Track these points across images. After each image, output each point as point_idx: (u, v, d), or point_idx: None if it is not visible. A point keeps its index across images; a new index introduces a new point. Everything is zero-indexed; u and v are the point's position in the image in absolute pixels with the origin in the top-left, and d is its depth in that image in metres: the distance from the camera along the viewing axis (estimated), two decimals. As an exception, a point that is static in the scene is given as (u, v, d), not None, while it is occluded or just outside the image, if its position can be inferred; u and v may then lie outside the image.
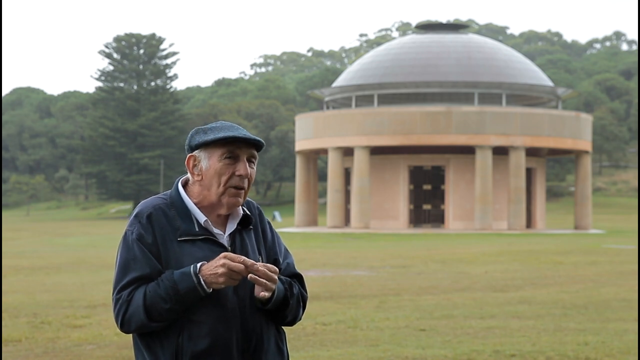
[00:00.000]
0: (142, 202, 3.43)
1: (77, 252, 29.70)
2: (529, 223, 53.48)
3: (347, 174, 53.71)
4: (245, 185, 3.37)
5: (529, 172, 53.89)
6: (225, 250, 3.37)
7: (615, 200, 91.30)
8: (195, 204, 3.40)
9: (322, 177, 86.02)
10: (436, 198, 52.45)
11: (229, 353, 3.34)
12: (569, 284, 17.94)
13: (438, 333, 11.43)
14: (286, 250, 3.62)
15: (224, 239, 3.40)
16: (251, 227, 3.49)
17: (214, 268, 3.23)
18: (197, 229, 3.36)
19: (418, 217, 52.51)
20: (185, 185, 3.46)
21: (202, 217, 3.37)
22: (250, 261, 3.25)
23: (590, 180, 54.66)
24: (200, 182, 3.39)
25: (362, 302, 14.88)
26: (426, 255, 27.32)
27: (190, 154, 3.40)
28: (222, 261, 3.23)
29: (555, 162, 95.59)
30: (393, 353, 10.00)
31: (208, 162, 3.36)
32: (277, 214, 70.51)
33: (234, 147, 3.35)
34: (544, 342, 10.72)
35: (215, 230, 3.39)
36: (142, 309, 3.28)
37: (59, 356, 10.04)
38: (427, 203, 52.52)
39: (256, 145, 3.38)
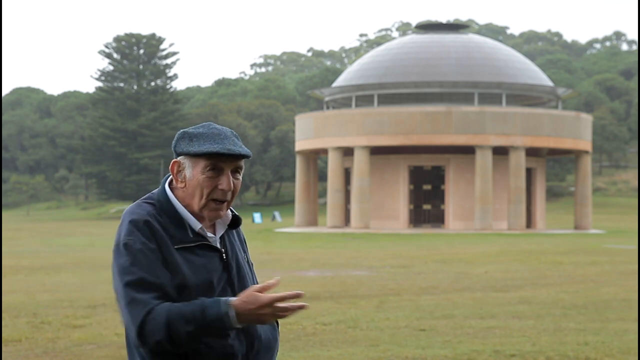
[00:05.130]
0: (130, 209, 3.28)
1: (77, 252, 29.69)
2: (529, 223, 53.46)
3: (347, 174, 53.69)
4: (229, 197, 3.27)
5: (529, 172, 53.88)
6: (220, 254, 3.29)
7: (615, 200, 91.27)
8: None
9: (322, 177, 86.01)
10: (436, 198, 52.43)
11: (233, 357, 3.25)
12: (569, 284, 17.94)
13: (438, 333, 11.43)
14: None
15: (217, 242, 3.32)
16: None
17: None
18: (191, 236, 3.25)
19: (418, 217, 52.49)
20: (170, 185, 3.34)
21: (196, 224, 3.26)
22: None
23: (590, 180, 54.65)
24: (183, 189, 3.28)
25: (362, 302, 14.87)
26: (426, 255, 27.32)
27: (175, 160, 3.29)
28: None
29: (555, 162, 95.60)
30: (393, 353, 10.00)
31: (192, 171, 3.24)
32: (277, 214, 70.46)
33: (218, 159, 3.22)
34: (544, 342, 10.72)
35: (209, 235, 3.30)
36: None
37: (59, 356, 10.04)
38: (427, 203, 52.50)
39: (243, 155, 3.27)
